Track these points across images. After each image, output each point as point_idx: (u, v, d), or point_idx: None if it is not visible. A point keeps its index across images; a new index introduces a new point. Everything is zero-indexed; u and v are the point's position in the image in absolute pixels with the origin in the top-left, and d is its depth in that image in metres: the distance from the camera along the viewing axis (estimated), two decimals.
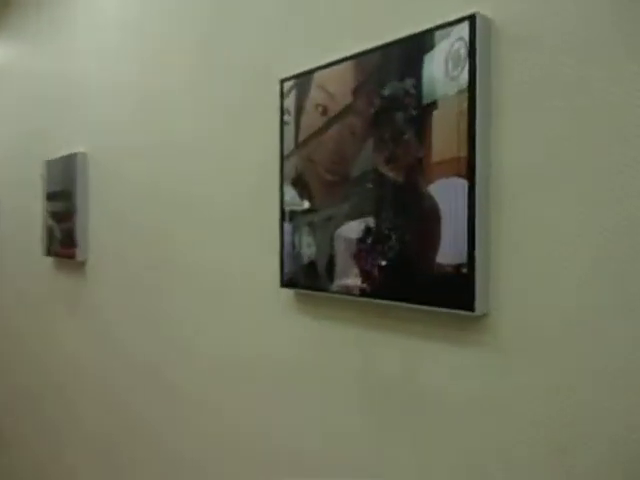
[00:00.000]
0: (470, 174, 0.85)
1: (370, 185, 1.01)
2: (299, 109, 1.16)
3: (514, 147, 0.83)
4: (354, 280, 1.04)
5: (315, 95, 1.12)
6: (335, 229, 1.08)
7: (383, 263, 0.98)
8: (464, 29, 0.85)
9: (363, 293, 1.02)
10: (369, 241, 1.01)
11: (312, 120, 1.13)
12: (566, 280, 0.77)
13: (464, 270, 0.86)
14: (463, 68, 0.85)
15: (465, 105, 0.85)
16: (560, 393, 0.77)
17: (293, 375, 1.21)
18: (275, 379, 1.27)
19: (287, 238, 1.20)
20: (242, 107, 1.34)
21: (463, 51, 0.85)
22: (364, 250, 1.02)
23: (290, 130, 1.18)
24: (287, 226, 1.20)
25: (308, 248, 1.14)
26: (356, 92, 1.03)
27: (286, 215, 1.20)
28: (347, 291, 1.05)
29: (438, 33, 0.89)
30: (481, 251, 0.85)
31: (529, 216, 0.81)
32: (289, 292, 1.22)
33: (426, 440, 0.95)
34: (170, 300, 1.60)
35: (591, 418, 0.74)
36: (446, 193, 0.88)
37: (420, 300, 0.92)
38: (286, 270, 1.20)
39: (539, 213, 0.80)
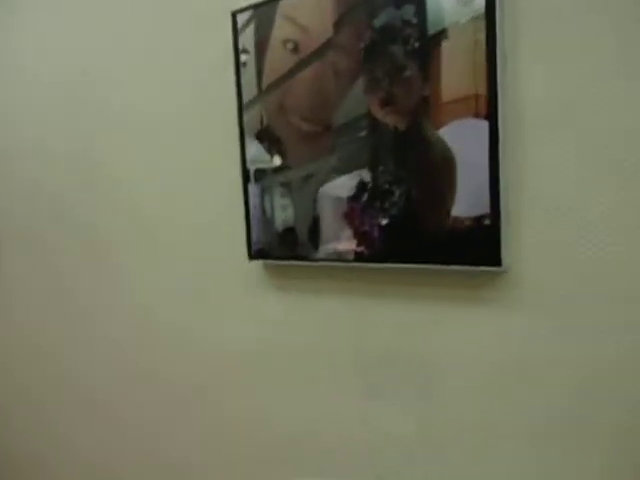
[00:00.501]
0: (491, 114, 0.75)
1: (362, 133, 0.87)
2: (260, 47, 0.98)
3: (539, 82, 0.75)
4: (347, 244, 0.91)
5: (282, 29, 0.95)
6: (318, 187, 0.94)
7: (384, 222, 0.86)
8: None
9: (360, 258, 0.90)
10: (364, 198, 0.88)
11: (280, 60, 0.95)
12: (592, 230, 0.72)
13: (487, 222, 0.77)
14: None
15: (482, 34, 0.75)
16: (591, 356, 0.74)
17: (276, 360, 1.07)
18: (249, 365, 1.11)
19: (254, 202, 1.02)
20: (187, 48, 1.11)
21: None
22: (359, 209, 0.89)
23: (250, 73, 0.99)
24: (253, 188, 1.02)
25: (283, 212, 0.99)
26: (338, 24, 0.88)
27: (250, 175, 1.02)
28: (338, 257, 0.93)
29: None
30: (506, 199, 0.77)
31: (555, 159, 0.74)
32: (259, 265, 1.06)
33: (443, 416, 0.87)
34: (122, 274, 1.33)
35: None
36: (461, 137, 0.78)
37: (433, 259, 0.82)
38: (255, 239, 1.03)
39: (566, 155, 0.74)
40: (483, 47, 0.75)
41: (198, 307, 1.18)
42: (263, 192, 1.01)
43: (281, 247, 0.99)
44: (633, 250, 0.70)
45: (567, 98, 0.73)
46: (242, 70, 1.00)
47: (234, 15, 1.00)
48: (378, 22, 0.83)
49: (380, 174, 0.86)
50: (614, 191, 0.71)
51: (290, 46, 0.94)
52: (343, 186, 0.91)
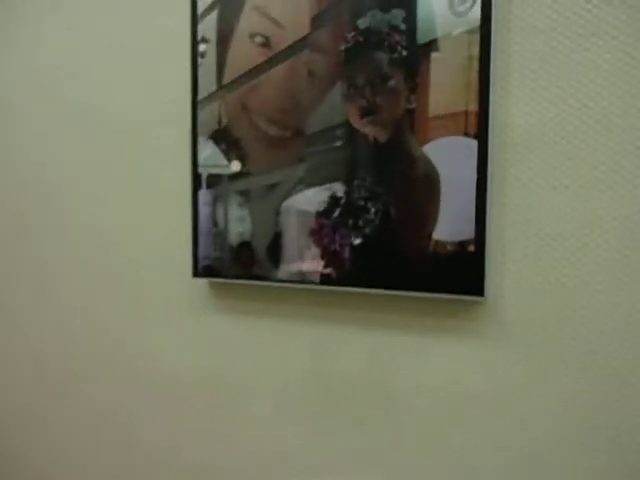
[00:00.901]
0: (482, 133, 0.71)
1: (338, 143, 0.80)
2: (224, 38, 0.87)
3: (530, 103, 0.72)
4: (313, 264, 0.82)
5: (250, 20, 0.85)
6: (282, 199, 0.84)
7: (357, 242, 0.78)
8: None
9: (326, 280, 0.81)
10: (336, 214, 0.80)
11: (246, 54, 0.85)
12: (581, 259, 0.70)
13: (471, 248, 0.72)
14: (474, 2, 0.71)
15: (476, 49, 0.71)
16: (577, 390, 0.71)
17: (216, 387, 0.93)
18: (183, 390, 0.96)
19: (204, 211, 0.90)
20: (138, 32, 0.97)
21: None
22: (329, 226, 0.80)
23: (209, 65, 0.88)
24: (204, 195, 0.90)
25: (239, 224, 0.87)
26: (317, 20, 0.80)
27: (202, 180, 0.90)
28: (302, 279, 0.83)
29: None
30: (492, 225, 0.73)
31: (544, 185, 0.71)
32: (204, 283, 0.93)
33: (414, 455, 0.80)
34: (54, 278, 1.11)
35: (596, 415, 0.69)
36: (448, 155, 0.73)
37: (410, 286, 0.76)
38: (202, 254, 0.90)
39: (556, 181, 0.71)
40: (476, 62, 0.71)
41: (135, 321, 1.01)
42: (216, 200, 0.89)
43: (234, 264, 0.88)
44: (621, 280, 0.69)
45: (558, 122, 0.71)
46: (199, 61, 0.88)
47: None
48: (363, 23, 0.77)
49: (355, 188, 0.79)
50: (605, 219, 0.69)
51: (259, 40, 0.84)
52: (312, 199, 0.82)
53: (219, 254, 0.89)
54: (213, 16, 0.87)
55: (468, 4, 0.71)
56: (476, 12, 0.71)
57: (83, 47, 1.03)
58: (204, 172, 0.89)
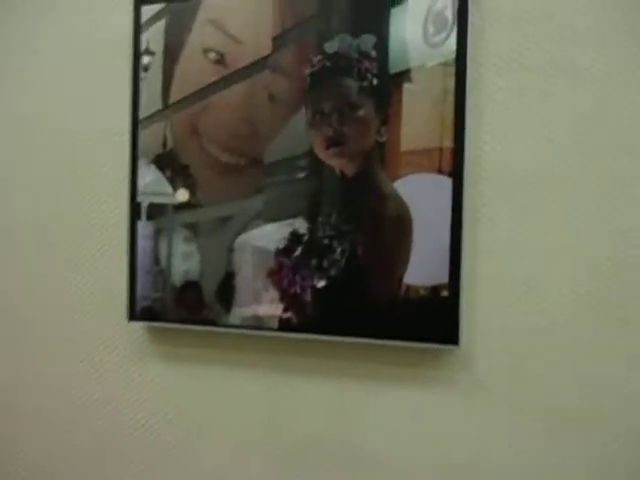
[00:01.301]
0: (457, 171, 0.67)
1: (300, 174, 0.72)
2: (171, 50, 0.77)
3: (506, 140, 0.69)
4: (270, 308, 0.73)
5: (203, 34, 0.76)
6: (236, 235, 0.75)
7: (320, 284, 0.71)
8: None
9: (286, 326, 0.73)
10: (297, 253, 0.72)
11: (197, 70, 0.76)
12: (556, 305, 0.67)
13: (444, 293, 0.67)
14: (449, 35, 0.67)
15: (452, 82, 0.67)
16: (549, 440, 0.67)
17: (152, 443, 0.81)
18: (115, 446, 0.83)
19: (144, 245, 0.78)
20: (75, 41, 0.84)
21: (449, 13, 0.67)
22: (289, 266, 0.73)
23: (153, 80, 0.78)
24: (144, 227, 0.79)
25: (185, 261, 0.77)
26: (280, 40, 0.73)
27: (142, 210, 0.78)
28: (257, 324, 0.74)
29: None
30: (467, 269, 0.68)
31: (519, 226, 0.68)
32: (142, 327, 0.81)
33: None
34: None
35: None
36: (420, 193, 0.68)
37: (378, 333, 0.70)
38: (140, 294, 0.78)
39: (531, 223, 0.68)
40: (451, 97, 0.67)
41: (69, 369, 0.87)
42: (158, 234, 0.78)
43: (178, 307, 0.77)
44: (591, 326, 0.66)
45: (528, 161, 0.69)
46: (142, 75, 0.78)
47: (137, 5, 0.78)
48: (330, 47, 0.71)
49: (319, 225, 0.71)
50: (577, 262, 0.67)
51: (213, 56, 0.75)
52: (271, 236, 0.74)
53: (160, 295, 0.78)
54: (159, 26, 0.78)
55: (443, 35, 0.67)
56: (451, 44, 0.67)
57: (8, 51, 0.89)
58: (144, 201, 0.78)
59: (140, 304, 0.79)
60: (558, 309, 0.67)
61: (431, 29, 0.68)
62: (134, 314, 0.79)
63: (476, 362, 0.70)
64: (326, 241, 0.71)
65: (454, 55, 0.67)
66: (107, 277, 0.82)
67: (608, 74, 0.66)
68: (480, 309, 0.70)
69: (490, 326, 0.69)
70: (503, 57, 0.69)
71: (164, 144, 0.78)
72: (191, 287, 0.77)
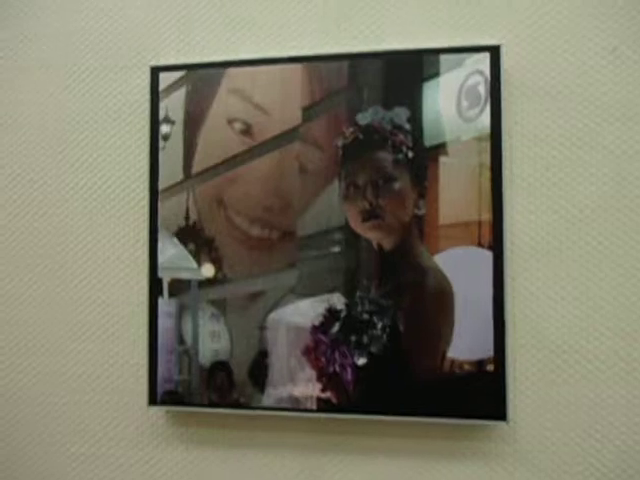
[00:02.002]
0: (497, 244, 0.67)
1: (336, 248, 0.71)
2: (193, 120, 0.75)
3: (539, 211, 0.70)
4: (308, 388, 0.70)
5: (227, 104, 0.74)
6: (268, 311, 0.72)
7: (361, 361, 0.69)
8: (483, 62, 0.68)
9: (325, 407, 0.70)
10: (335, 329, 0.70)
11: (222, 140, 0.74)
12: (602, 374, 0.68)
13: (489, 367, 0.67)
14: (482, 110, 0.68)
15: (487, 156, 0.68)
16: None
17: None
18: None
19: (166, 324, 0.74)
20: (89, 105, 0.80)
21: (482, 88, 0.68)
22: (326, 343, 0.70)
23: (174, 150, 0.74)
24: (166, 304, 0.74)
25: (213, 341, 0.73)
26: (309, 111, 0.72)
27: (163, 287, 0.74)
28: (294, 405, 0.71)
29: (444, 58, 0.69)
30: (511, 341, 0.68)
31: (554, 294, 0.70)
32: (165, 413, 0.75)
33: None
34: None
35: None
36: (461, 266, 0.68)
37: (423, 410, 0.68)
38: (163, 377, 0.73)
39: (565, 291, 0.69)
40: (488, 171, 0.68)
41: (85, 460, 0.79)
42: (182, 311, 0.74)
43: (206, 390, 0.72)
44: (636, 395, 0.67)
45: (562, 232, 0.70)
46: (161, 144, 0.74)
47: (154, 72, 0.75)
48: (362, 119, 0.70)
49: (358, 301, 0.70)
50: (615, 330, 0.68)
51: (239, 127, 0.73)
52: (305, 312, 0.71)
53: (186, 377, 0.73)
54: (180, 94, 0.75)
55: (477, 110, 0.69)
56: (485, 119, 0.68)
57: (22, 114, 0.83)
58: (166, 276, 0.74)
59: (162, 387, 0.73)
60: (605, 379, 0.68)
61: (465, 103, 0.69)
62: (155, 398, 0.73)
63: (524, 436, 0.69)
64: (366, 316, 0.70)
65: (489, 130, 0.68)
66: (128, 358, 0.76)
67: (632, 147, 0.69)
68: (526, 382, 0.70)
69: (537, 399, 0.69)
70: (532, 130, 0.71)
71: (187, 216, 0.74)
72: (220, 367, 0.73)
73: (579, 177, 0.70)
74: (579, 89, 0.71)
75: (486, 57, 0.69)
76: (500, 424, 0.68)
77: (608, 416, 0.68)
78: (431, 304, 0.69)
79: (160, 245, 0.74)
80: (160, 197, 0.75)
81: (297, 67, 0.72)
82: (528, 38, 0.72)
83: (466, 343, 0.68)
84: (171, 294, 0.74)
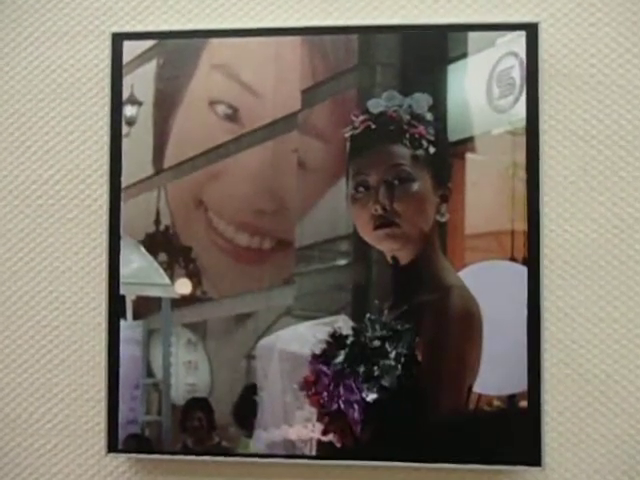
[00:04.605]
0: (533, 258, 0.58)
1: (342, 261, 0.60)
2: (166, 101, 0.62)
3: (575, 220, 0.62)
4: (306, 429, 0.59)
5: (209, 82, 0.62)
6: (259, 336, 0.60)
7: (371, 397, 0.58)
8: (518, 42, 0.59)
9: (328, 453, 0.59)
10: (340, 358, 0.59)
11: (202, 127, 0.61)
12: None
13: (523, 403, 0.58)
14: (518, 98, 0.59)
15: (522, 153, 0.58)
16: None
17: None
18: None
19: (129, 352, 0.61)
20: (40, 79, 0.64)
21: (516, 73, 0.59)
22: (329, 375, 0.59)
23: (142, 138, 0.61)
24: (130, 328, 0.61)
25: (189, 373, 0.60)
26: (310, 94, 0.60)
27: (127, 306, 0.60)
28: (289, 451, 0.60)
29: (473, 36, 0.59)
30: (548, 373, 0.59)
31: (592, 315, 0.61)
32: (127, 461, 0.62)
33: None
34: None
35: None
36: (490, 284, 0.59)
37: (444, 456, 0.58)
38: (125, 418, 0.60)
39: (604, 311, 0.61)
40: (523, 171, 0.58)
41: None
42: (150, 337, 0.61)
43: (181, 432, 0.60)
44: None
45: (601, 244, 0.62)
46: (125, 130, 0.61)
47: (117, 40, 0.61)
48: (375, 106, 0.59)
49: (367, 324, 0.59)
50: None
51: (223, 110, 0.61)
52: (304, 338, 0.60)
53: (154, 417, 0.60)
54: (149, 69, 0.61)
55: (510, 99, 0.59)
56: (520, 110, 0.59)
57: None
58: (130, 293, 0.61)
59: (124, 431, 0.61)
60: None
61: (496, 91, 0.60)
62: (115, 444, 0.60)
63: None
64: (377, 343, 0.59)
65: (524, 123, 0.59)
66: (79, 393, 0.62)
67: None
68: (560, 418, 0.61)
69: (573, 438, 0.61)
70: (568, 125, 0.62)
71: (157, 220, 0.62)
72: (198, 406, 0.60)
73: (621, 181, 0.62)
74: (622, 80, 0.63)
75: (521, 37, 0.60)
76: (534, 470, 0.59)
77: None
78: (455, 328, 0.60)
79: (123, 255, 0.61)
80: (123, 196, 0.62)
81: (296, 40, 0.62)
82: (567, 16, 0.63)
83: (495, 375, 0.59)
84: (136, 316, 0.62)
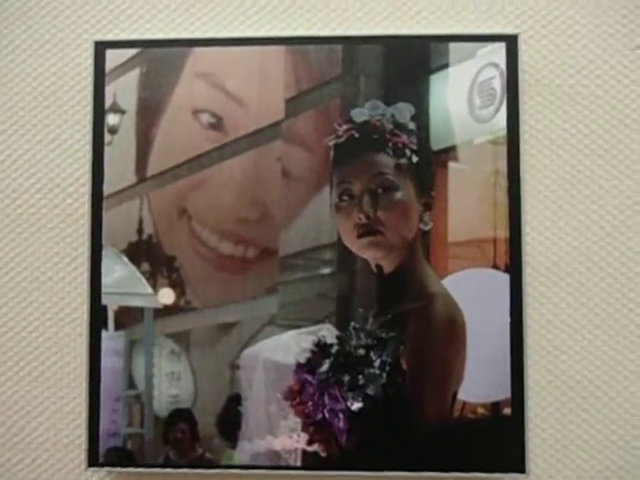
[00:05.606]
0: (515, 266, 0.59)
1: (326, 269, 0.60)
2: (149, 109, 0.62)
3: (556, 228, 0.63)
4: (291, 440, 0.59)
5: (193, 91, 0.62)
6: (243, 346, 0.60)
7: (356, 406, 0.58)
8: (499, 53, 0.60)
9: (313, 463, 0.59)
10: (325, 367, 0.59)
11: (186, 136, 0.62)
12: None
13: (506, 410, 0.58)
14: (499, 108, 0.60)
15: (504, 162, 0.59)
16: None
17: None
18: None
19: (110, 364, 0.60)
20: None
21: (498, 83, 0.60)
22: (314, 384, 0.59)
23: (124, 146, 0.61)
24: (111, 338, 0.60)
25: (172, 384, 0.60)
26: (295, 102, 0.61)
27: (109, 316, 0.60)
28: (273, 462, 0.59)
29: (454, 47, 0.60)
30: (532, 380, 0.59)
31: (574, 322, 0.62)
32: (107, 475, 0.60)
33: None
34: None
35: None
36: (473, 292, 0.60)
37: (429, 464, 0.58)
38: (105, 429, 0.60)
39: (586, 318, 0.62)
40: (504, 180, 0.59)
41: None
42: (132, 347, 0.61)
43: (164, 445, 0.60)
44: None
45: (582, 252, 0.63)
46: (107, 139, 0.60)
47: (99, 49, 0.61)
48: (358, 115, 0.60)
49: (352, 333, 0.60)
50: None
51: (207, 119, 0.61)
52: (288, 347, 0.60)
53: (136, 430, 0.60)
54: (132, 77, 0.61)
55: (491, 109, 0.60)
56: (501, 119, 0.60)
57: None
58: (112, 303, 0.60)
59: (105, 444, 0.60)
60: (635, 422, 0.61)
61: (477, 101, 0.61)
62: (95, 458, 0.59)
63: None
64: (361, 352, 0.59)
65: (505, 132, 0.60)
66: (59, 405, 0.61)
67: None
68: (543, 424, 0.62)
69: (556, 444, 0.62)
70: (548, 135, 0.64)
71: (139, 229, 0.61)
72: (181, 417, 0.60)
73: (600, 190, 0.64)
74: (599, 90, 0.65)
75: (502, 48, 0.61)
76: (519, 477, 0.60)
77: (636, 461, 0.61)
78: (439, 336, 0.60)
79: (105, 264, 0.61)
80: (105, 205, 0.62)
81: (280, 50, 0.62)
82: (546, 28, 0.64)
83: (480, 382, 0.60)
84: (118, 326, 0.61)
